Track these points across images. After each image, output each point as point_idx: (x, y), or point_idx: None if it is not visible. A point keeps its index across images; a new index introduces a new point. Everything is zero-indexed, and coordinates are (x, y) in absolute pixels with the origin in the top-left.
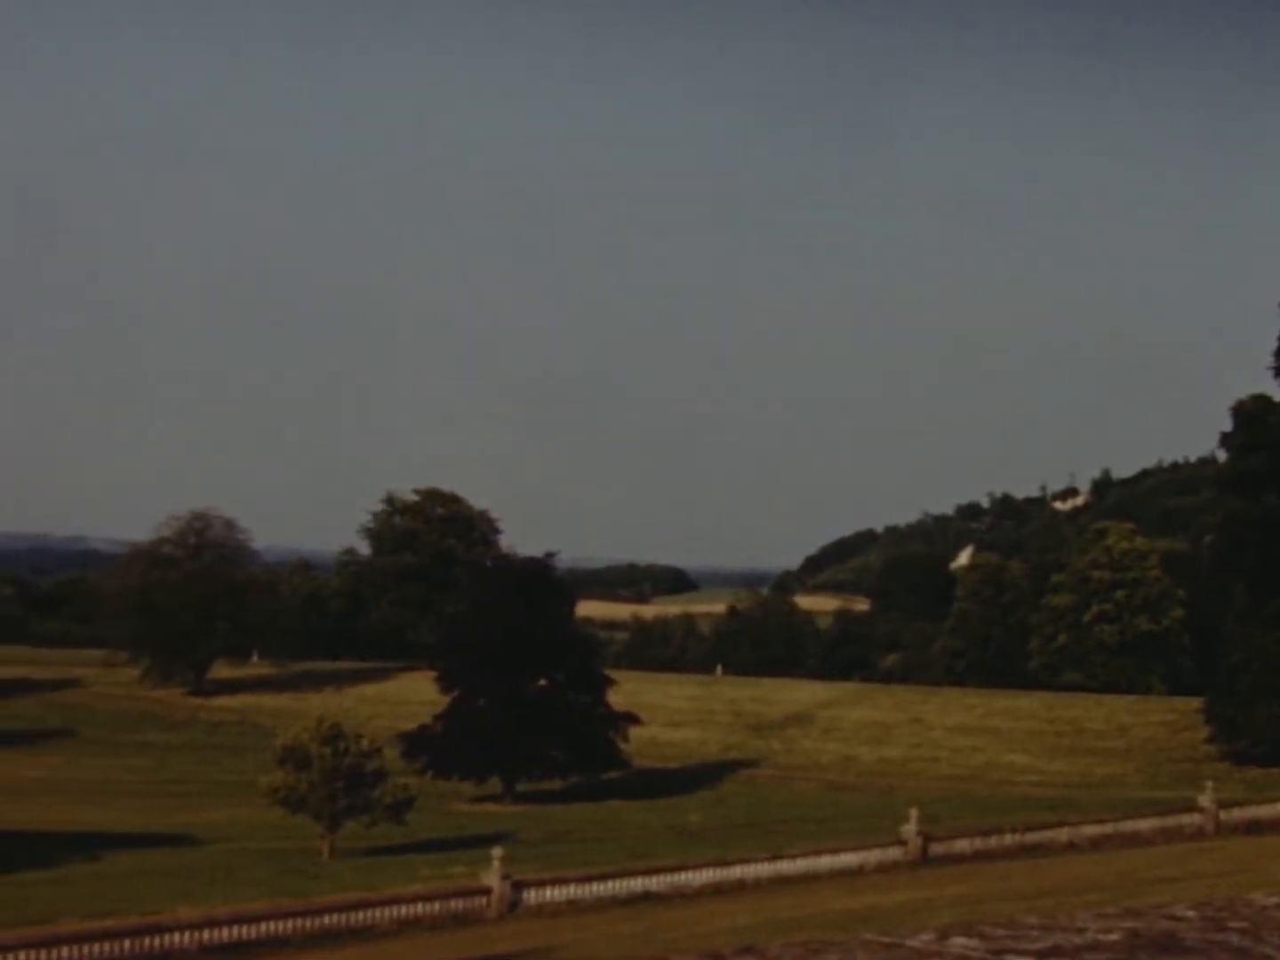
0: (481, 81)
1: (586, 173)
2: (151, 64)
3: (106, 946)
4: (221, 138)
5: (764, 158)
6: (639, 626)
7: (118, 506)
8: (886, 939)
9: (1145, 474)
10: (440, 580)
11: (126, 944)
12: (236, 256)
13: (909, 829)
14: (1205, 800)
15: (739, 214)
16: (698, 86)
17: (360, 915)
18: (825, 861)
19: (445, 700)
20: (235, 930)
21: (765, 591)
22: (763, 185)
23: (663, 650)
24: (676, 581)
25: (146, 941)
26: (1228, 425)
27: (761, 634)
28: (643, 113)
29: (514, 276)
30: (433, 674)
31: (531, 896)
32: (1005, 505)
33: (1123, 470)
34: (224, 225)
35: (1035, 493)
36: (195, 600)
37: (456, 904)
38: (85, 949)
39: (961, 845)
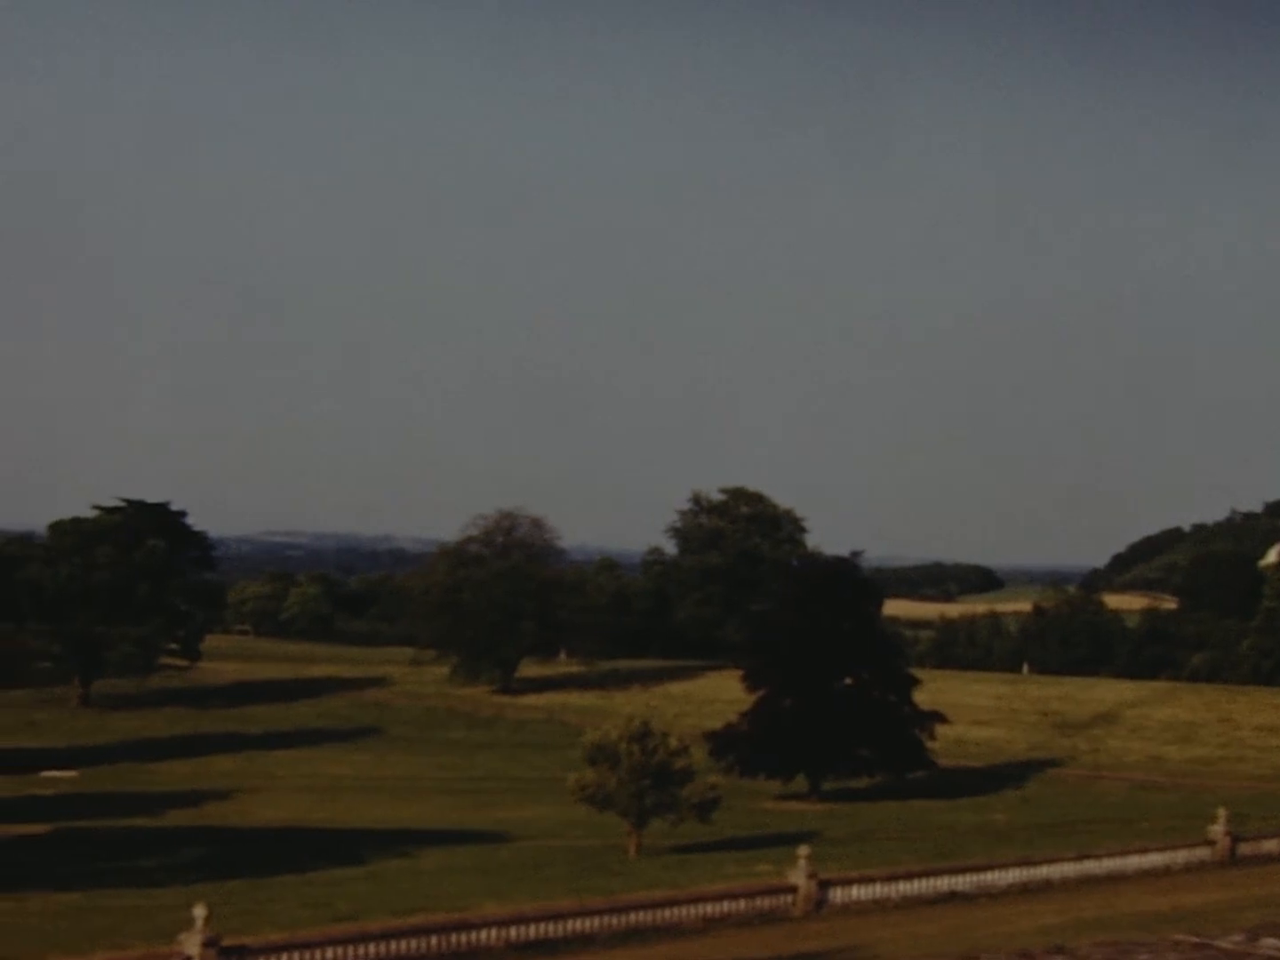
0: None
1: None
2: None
3: (414, 943)
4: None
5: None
6: (945, 625)
7: (425, 506)
8: (1196, 939)
9: None
10: (746, 579)
11: (434, 941)
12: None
13: (1216, 829)
14: None
15: None
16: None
17: (666, 913)
18: (1132, 861)
19: (751, 699)
20: (542, 927)
21: (1072, 590)
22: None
23: (968, 649)
24: (983, 580)
25: (454, 938)
26: None
27: (1068, 633)
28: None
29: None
30: (739, 673)
31: (837, 895)
32: None
33: None
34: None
35: None
36: (502, 599)
37: (762, 902)
38: (393, 945)
39: (1270, 846)
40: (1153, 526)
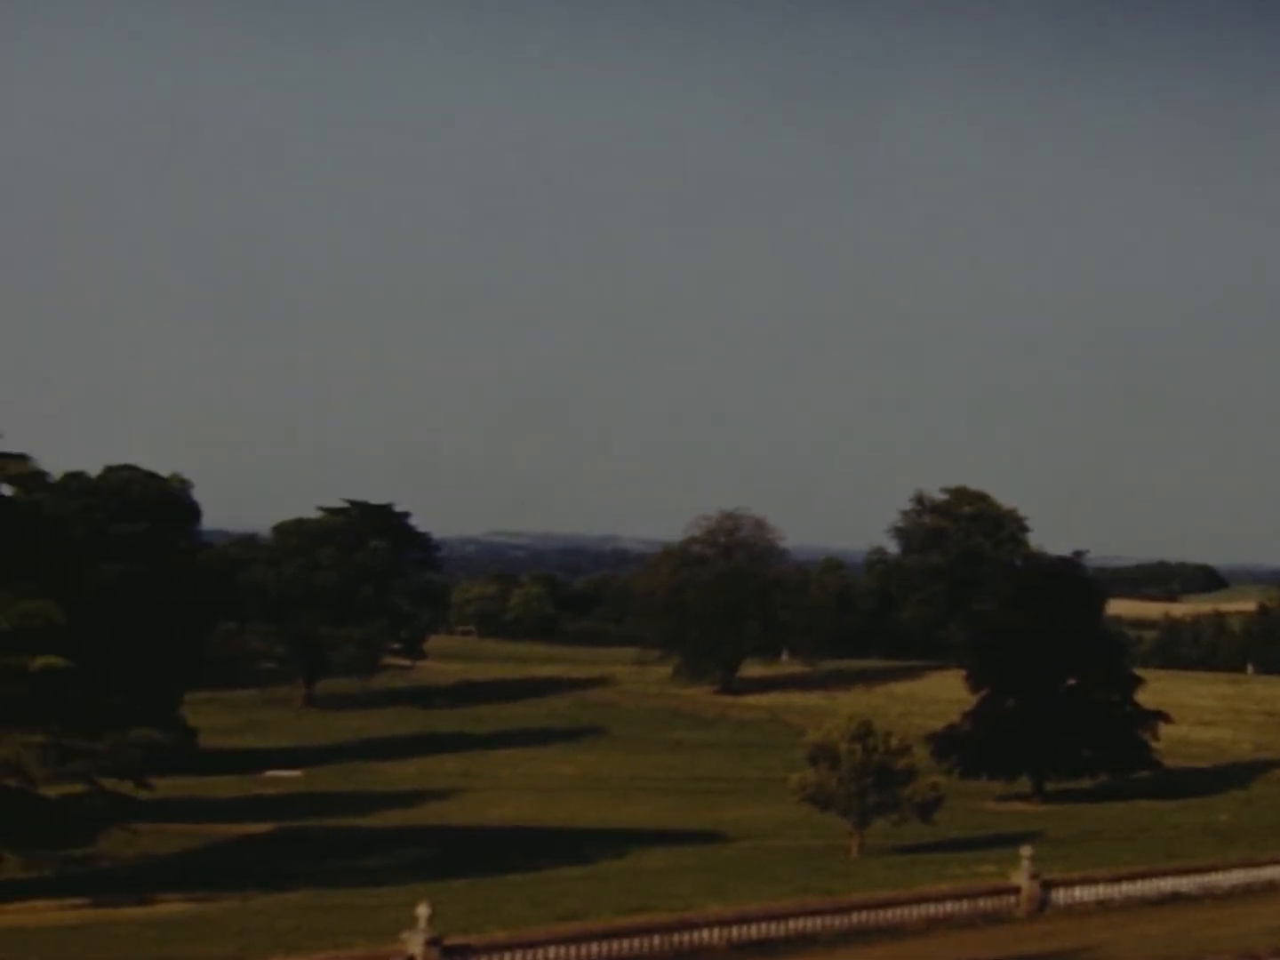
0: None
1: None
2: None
3: (636, 942)
4: None
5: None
6: (1168, 625)
7: (648, 507)
8: None
9: None
10: (968, 579)
11: (656, 940)
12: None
13: None
14: None
15: None
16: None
17: (889, 913)
18: None
19: (973, 699)
20: (764, 927)
21: None
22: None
23: (1192, 649)
24: (1207, 579)
25: (676, 938)
26: None
27: None
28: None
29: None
30: (961, 673)
31: (1060, 896)
32: None
33: None
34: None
35: None
36: (725, 599)
37: (984, 903)
38: (616, 945)
39: None
40: None
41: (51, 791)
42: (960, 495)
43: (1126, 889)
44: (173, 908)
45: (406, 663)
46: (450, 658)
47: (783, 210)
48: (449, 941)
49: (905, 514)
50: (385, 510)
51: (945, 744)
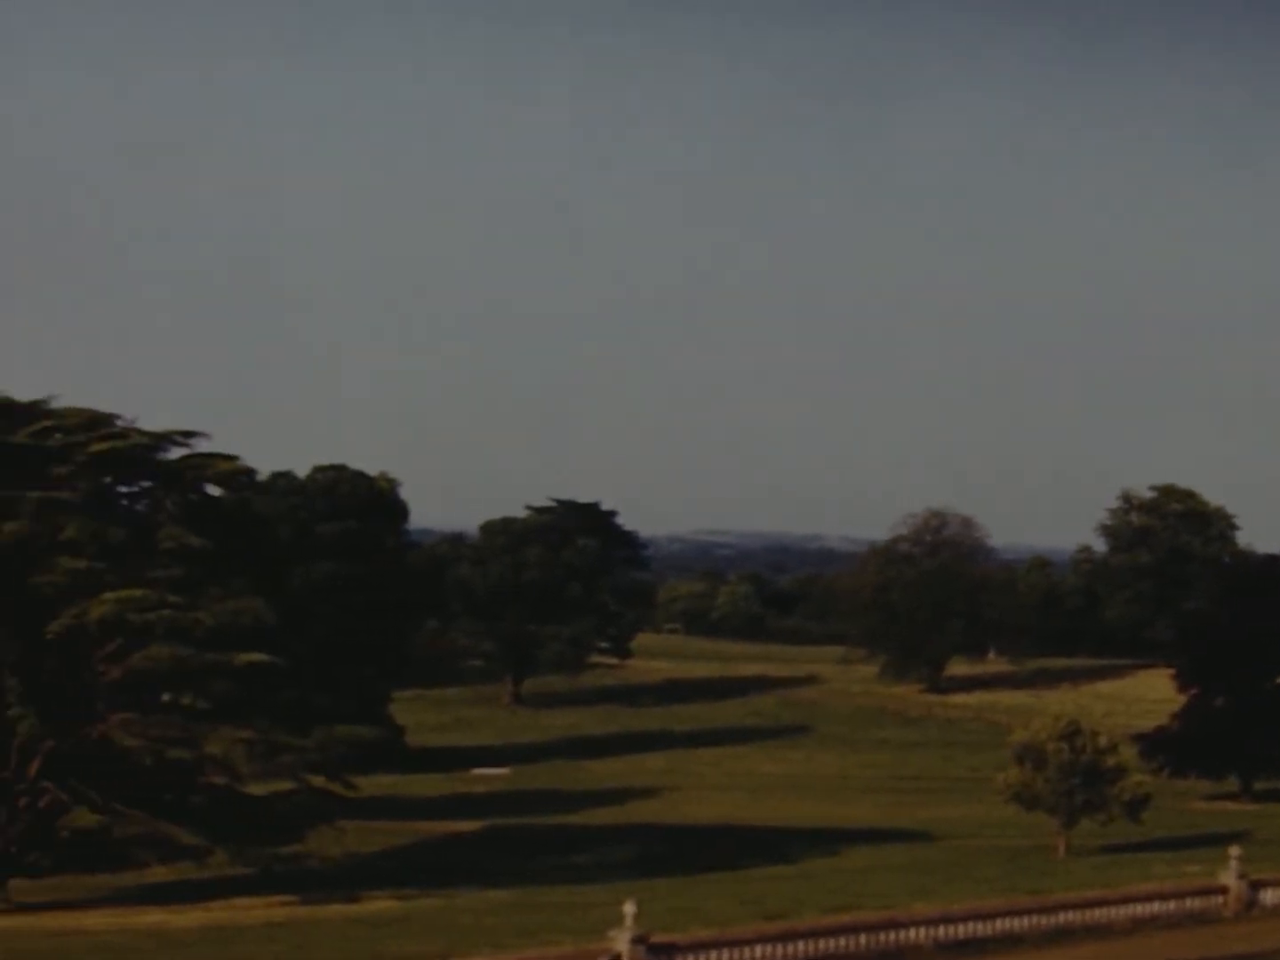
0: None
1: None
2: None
3: (842, 941)
4: None
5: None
6: None
7: (854, 505)
8: None
9: None
10: (1176, 577)
11: (862, 939)
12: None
13: None
14: None
15: None
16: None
17: (1095, 913)
18: None
19: (1180, 698)
20: (970, 926)
21: None
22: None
23: None
24: None
25: (882, 937)
26: None
27: None
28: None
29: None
30: (1169, 672)
31: (1268, 896)
32: None
33: None
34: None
35: None
36: (931, 598)
37: (1192, 903)
38: (822, 944)
39: None
40: None
41: (260, 789)
42: (1168, 493)
43: None
44: (380, 905)
45: (613, 661)
46: (657, 656)
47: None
48: (654, 940)
49: (1112, 512)
50: (592, 509)
51: (1153, 745)
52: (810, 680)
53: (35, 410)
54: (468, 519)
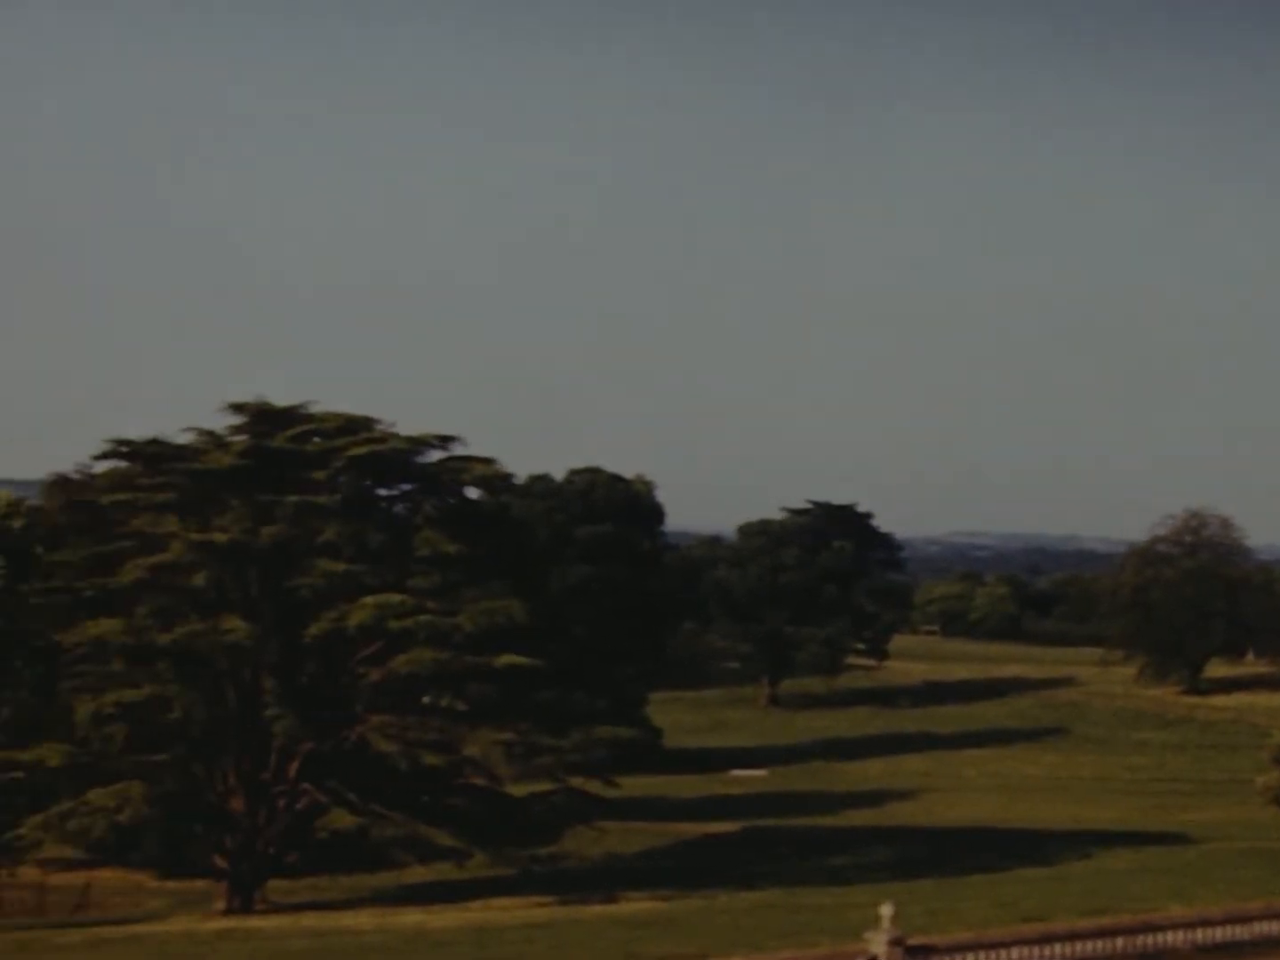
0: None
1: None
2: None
3: (1099, 944)
4: None
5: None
6: None
7: (1111, 506)
8: None
9: None
10: None
11: (1119, 942)
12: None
13: None
14: None
15: None
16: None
17: None
18: None
19: None
20: (1228, 930)
21: None
22: None
23: None
24: None
25: (1139, 940)
26: None
27: None
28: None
29: None
30: None
31: None
32: None
33: None
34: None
35: None
36: (1190, 599)
37: None
38: (1078, 946)
39: None
40: None
41: (519, 790)
42: None
43: None
44: (638, 906)
45: (870, 663)
46: (914, 658)
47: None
48: (912, 941)
49: None
50: (848, 511)
51: None
52: (1068, 682)
53: (294, 415)
54: (725, 521)
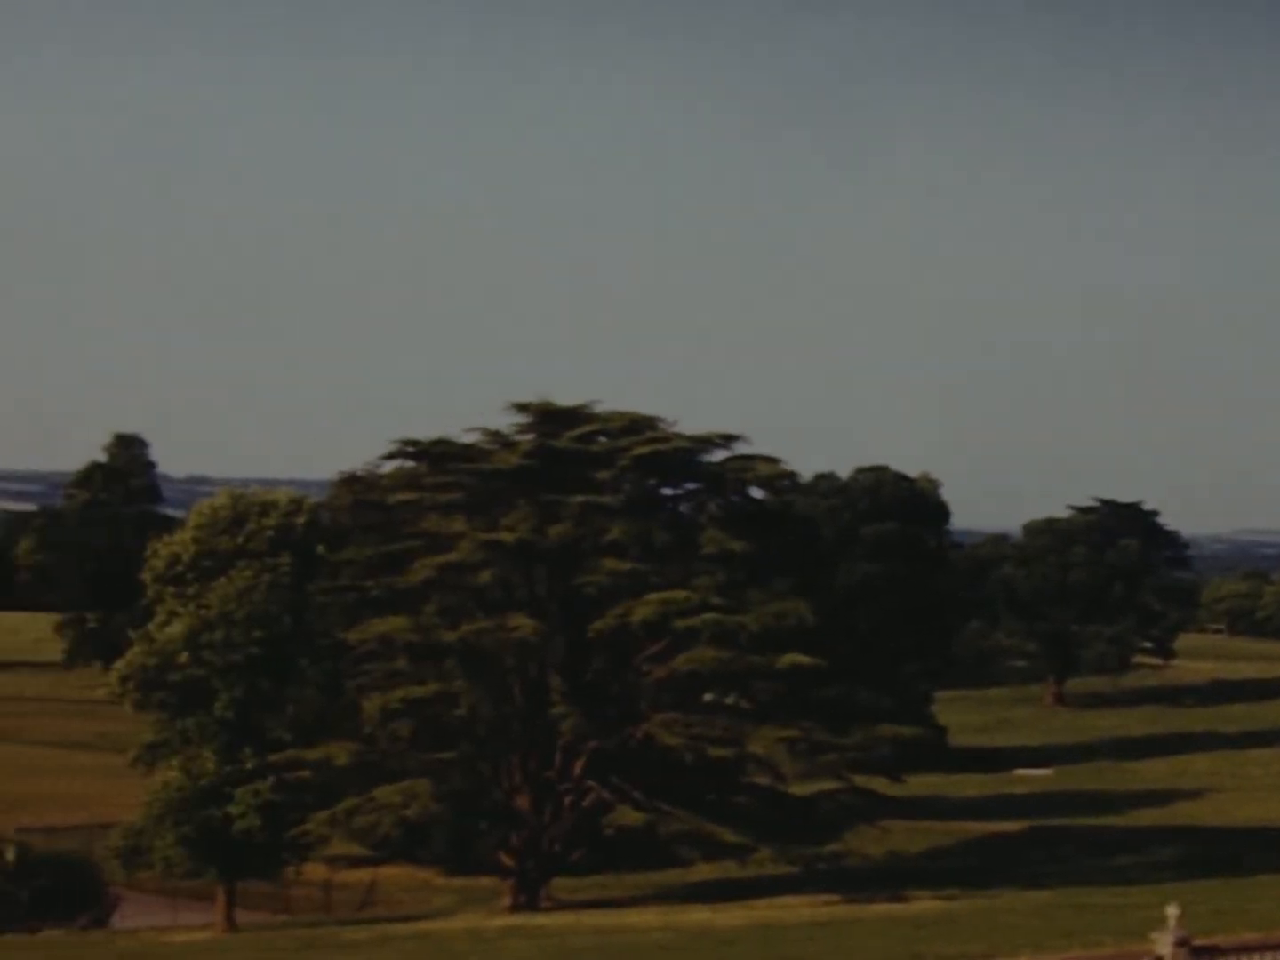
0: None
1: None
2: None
3: None
4: None
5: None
6: None
7: None
8: None
9: None
10: None
11: None
12: None
13: None
14: None
15: None
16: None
17: None
18: None
19: None
20: None
21: None
22: None
23: None
24: None
25: None
26: None
27: None
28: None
29: None
30: None
31: None
32: None
33: None
34: None
35: None
36: None
37: None
38: None
39: None
40: None
41: (801, 789)
42: None
43: None
44: (923, 905)
45: (1157, 661)
46: (1201, 656)
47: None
48: (1197, 942)
49: None
50: (1134, 509)
51: None
52: None
53: (579, 415)
54: (1011, 520)
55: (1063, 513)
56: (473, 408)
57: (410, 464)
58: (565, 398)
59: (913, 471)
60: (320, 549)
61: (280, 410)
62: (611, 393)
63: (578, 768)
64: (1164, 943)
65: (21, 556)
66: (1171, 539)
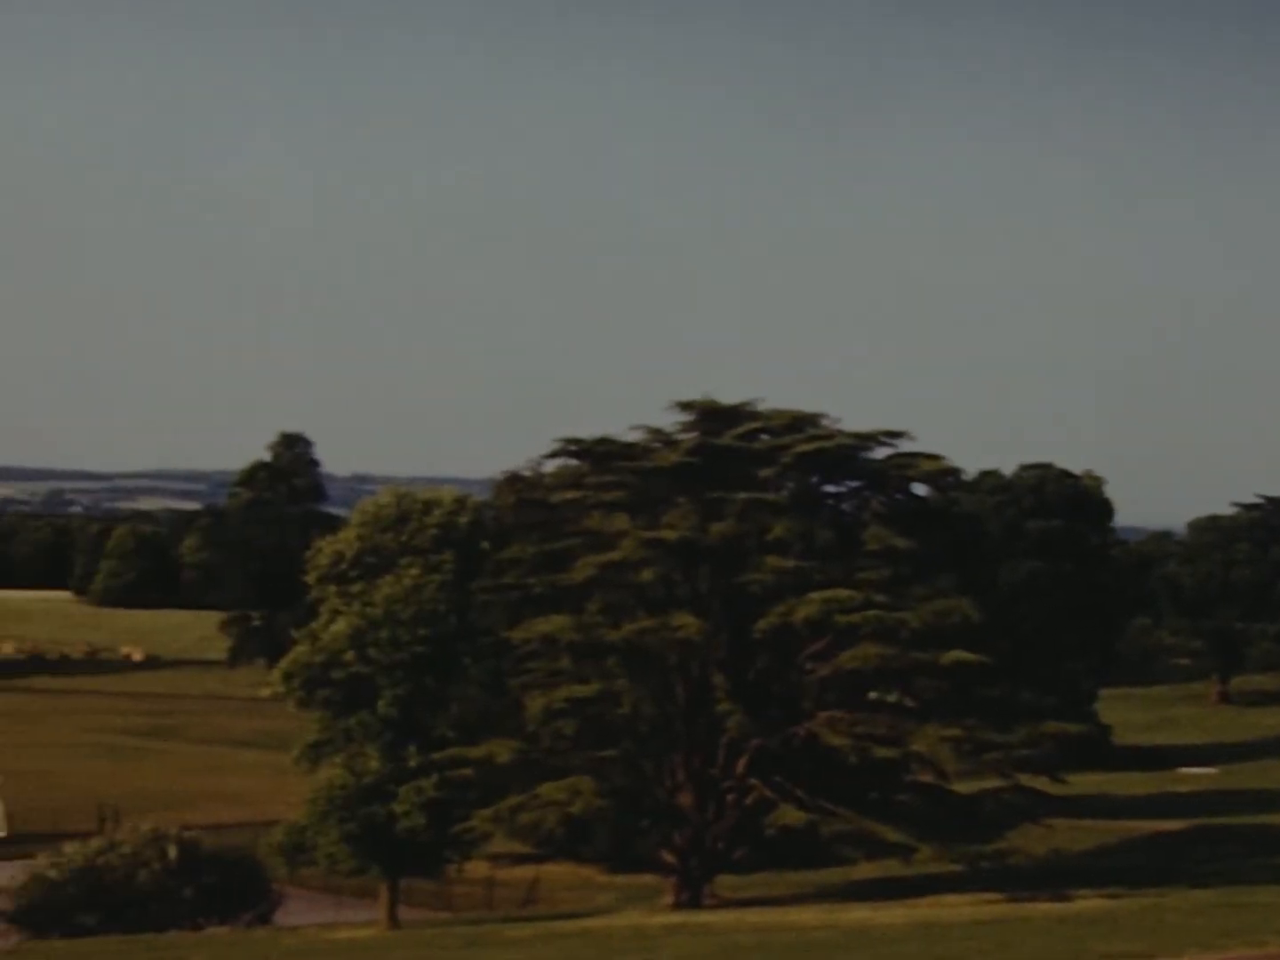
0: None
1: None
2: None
3: None
4: None
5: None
6: None
7: None
8: None
9: None
10: None
11: None
12: None
13: None
14: None
15: None
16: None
17: None
18: None
19: None
20: None
21: None
22: None
23: None
24: None
25: None
26: None
27: None
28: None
29: None
30: None
31: None
32: None
33: None
34: None
35: None
36: None
37: None
38: None
39: None
40: None
41: (963, 787)
42: None
43: None
44: (1086, 904)
45: None
46: None
47: None
48: None
49: None
50: None
51: None
52: None
53: (741, 413)
54: (1175, 517)
55: (1227, 510)
56: (635, 407)
57: (573, 463)
58: (728, 396)
59: (1077, 469)
60: (484, 546)
61: (442, 409)
62: (774, 391)
63: (741, 766)
64: None
65: (186, 555)
66: None
